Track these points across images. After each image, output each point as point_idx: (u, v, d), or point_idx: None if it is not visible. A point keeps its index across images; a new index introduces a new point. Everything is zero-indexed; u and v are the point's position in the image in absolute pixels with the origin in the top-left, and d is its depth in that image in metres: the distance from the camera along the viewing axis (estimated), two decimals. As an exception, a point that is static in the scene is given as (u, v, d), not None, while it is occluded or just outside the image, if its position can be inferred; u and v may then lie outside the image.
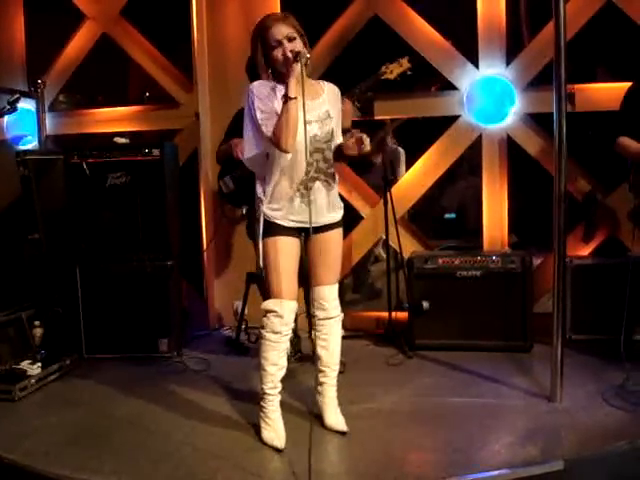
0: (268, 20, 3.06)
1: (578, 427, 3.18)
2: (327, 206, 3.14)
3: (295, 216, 3.07)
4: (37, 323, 4.34)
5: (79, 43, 5.44)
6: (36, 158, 4.70)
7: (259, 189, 3.14)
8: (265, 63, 3.06)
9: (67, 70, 5.50)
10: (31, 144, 5.50)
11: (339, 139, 3.20)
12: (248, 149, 3.10)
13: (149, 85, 5.81)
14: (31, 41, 5.62)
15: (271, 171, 3.07)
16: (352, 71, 4.57)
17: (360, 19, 4.93)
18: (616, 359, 3.77)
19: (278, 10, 4.80)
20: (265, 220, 3.10)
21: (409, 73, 4.00)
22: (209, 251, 5.19)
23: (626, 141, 3.77)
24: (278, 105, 2.97)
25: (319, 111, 3.08)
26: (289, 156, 3.00)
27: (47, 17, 5.67)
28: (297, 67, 2.91)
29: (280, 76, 3.04)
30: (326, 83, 3.23)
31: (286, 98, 2.91)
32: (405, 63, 3.94)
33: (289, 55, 2.93)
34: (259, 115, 2.99)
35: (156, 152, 4.46)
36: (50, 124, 5.50)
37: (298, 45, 2.99)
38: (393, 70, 3.99)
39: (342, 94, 3.28)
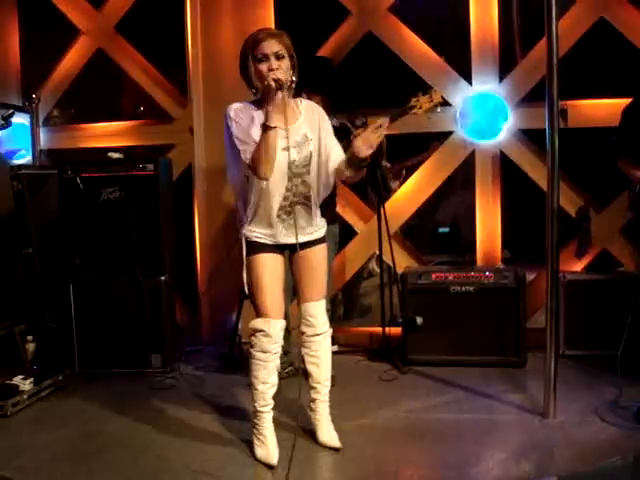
0: (261, 34, 2.99)
1: (572, 443, 3.18)
2: (308, 226, 3.12)
3: (277, 238, 3.06)
4: (30, 338, 4.32)
5: (74, 58, 5.46)
6: (30, 173, 4.69)
7: (240, 211, 3.13)
8: (250, 76, 3.00)
9: (61, 85, 5.52)
10: (25, 159, 5.49)
11: (334, 155, 3.11)
12: (230, 172, 3.09)
13: (143, 100, 5.82)
14: (26, 56, 5.63)
15: (251, 194, 3.04)
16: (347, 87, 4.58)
17: (354, 36, 4.96)
18: (609, 374, 3.77)
19: (272, 26, 4.82)
20: (247, 241, 3.09)
21: (438, 110, 3.73)
22: (202, 266, 5.18)
23: (629, 166, 3.78)
24: (256, 131, 2.92)
25: (296, 136, 3.01)
26: (268, 181, 2.96)
27: (42, 32, 5.69)
28: (279, 96, 2.87)
29: (260, 94, 2.98)
30: (303, 101, 3.16)
31: (265, 127, 2.86)
32: (437, 97, 3.67)
33: (272, 83, 2.85)
34: (237, 142, 2.96)
35: (150, 167, 4.47)
36: (44, 139, 5.50)
37: (285, 65, 2.93)
38: (423, 105, 3.75)
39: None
